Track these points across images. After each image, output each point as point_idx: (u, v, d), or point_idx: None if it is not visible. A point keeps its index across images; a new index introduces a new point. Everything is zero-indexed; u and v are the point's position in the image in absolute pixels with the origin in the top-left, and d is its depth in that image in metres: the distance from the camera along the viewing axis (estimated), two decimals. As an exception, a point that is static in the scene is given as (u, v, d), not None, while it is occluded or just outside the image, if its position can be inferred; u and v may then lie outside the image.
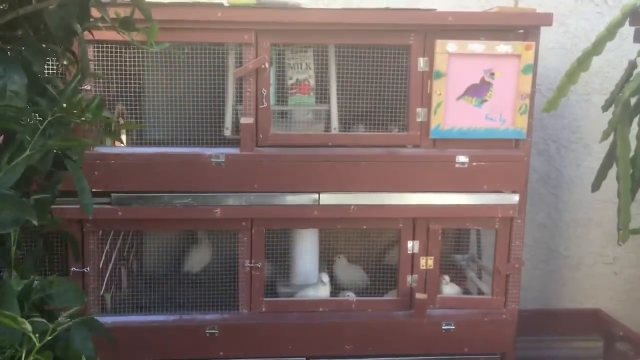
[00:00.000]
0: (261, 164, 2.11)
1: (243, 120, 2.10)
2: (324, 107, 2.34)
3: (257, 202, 2.14)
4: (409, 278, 2.26)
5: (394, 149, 2.16)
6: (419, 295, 2.22)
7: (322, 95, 2.33)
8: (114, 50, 2.10)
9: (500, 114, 2.17)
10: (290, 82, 2.38)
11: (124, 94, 2.18)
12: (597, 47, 1.80)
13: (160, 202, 2.12)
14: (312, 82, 2.37)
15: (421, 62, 2.13)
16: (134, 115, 2.29)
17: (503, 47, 2.11)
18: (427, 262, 2.25)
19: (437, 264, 2.26)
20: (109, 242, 2.33)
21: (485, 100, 2.16)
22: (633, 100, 1.93)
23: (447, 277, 2.33)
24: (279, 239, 2.33)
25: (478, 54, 2.11)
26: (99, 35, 1.55)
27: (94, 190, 2.07)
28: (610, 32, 1.78)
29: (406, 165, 2.15)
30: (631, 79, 1.94)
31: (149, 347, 2.17)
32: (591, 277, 3.01)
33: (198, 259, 2.56)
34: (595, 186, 2.28)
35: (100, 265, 2.23)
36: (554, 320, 2.97)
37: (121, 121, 2.38)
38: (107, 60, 2.10)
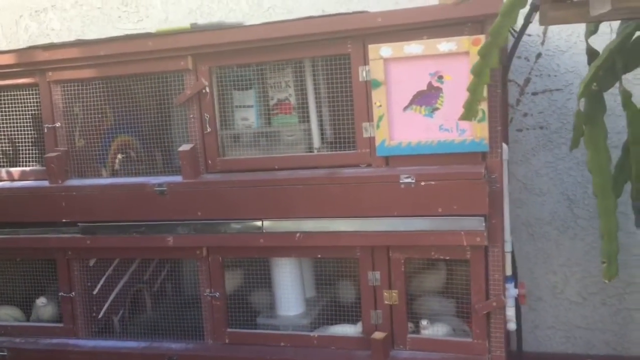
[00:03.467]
0: (203, 191, 2.05)
1: (182, 147, 2.07)
2: (304, 127, 2.21)
3: (203, 230, 2.08)
4: (372, 313, 2.00)
5: (334, 170, 1.95)
6: (376, 335, 1.95)
7: (306, 114, 2.20)
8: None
9: (457, 124, 1.83)
10: (272, 102, 2.29)
11: (133, 127, 2.30)
12: (509, 14, 1.39)
13: (120, 231, 2.17)
14: (293, 100, 2.25)
15: (363, 72, 1.90)
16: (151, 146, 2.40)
17: (446, 45, 1.78)
18: (391, 296, 1.97)
19: (404, 299, 1.97)
20: (112, 266, 2.45)
21: (437, 109, 1.84)
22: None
23: (424, 322, 2.00)
24: (260, 267, 2.24)
25: (418, 55, 1.81)
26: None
27: (63, 220, 2.22)
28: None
29: (348, 187, 1.91)
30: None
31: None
32: (686, 317, 2.37)
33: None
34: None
35: (96, 290, 2.37)
36: (632, 369, 2.39)
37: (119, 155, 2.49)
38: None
